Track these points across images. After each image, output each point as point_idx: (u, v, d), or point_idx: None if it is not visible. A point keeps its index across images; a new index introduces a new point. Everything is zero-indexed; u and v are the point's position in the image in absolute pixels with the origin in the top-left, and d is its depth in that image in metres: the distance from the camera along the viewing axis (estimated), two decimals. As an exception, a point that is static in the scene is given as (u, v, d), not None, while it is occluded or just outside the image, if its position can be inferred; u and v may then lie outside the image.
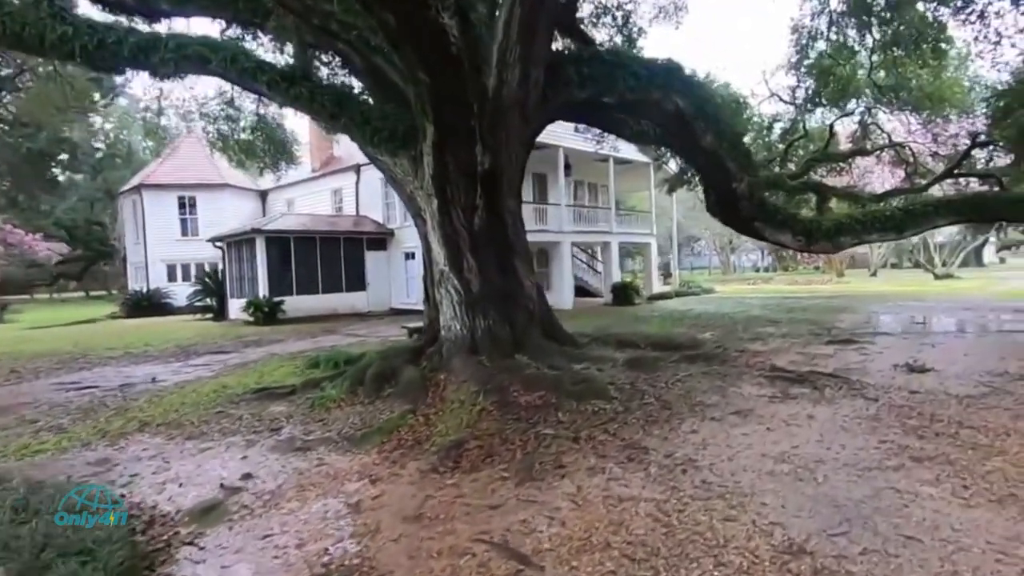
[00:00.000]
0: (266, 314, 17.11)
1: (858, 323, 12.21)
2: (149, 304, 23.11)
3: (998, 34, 9.47)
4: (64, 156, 39.81)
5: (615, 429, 5.22)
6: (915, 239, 35.34)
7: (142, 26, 9.12)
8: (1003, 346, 9.01)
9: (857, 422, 5.23)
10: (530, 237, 19.22)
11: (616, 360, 7.68)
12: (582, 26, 15.23)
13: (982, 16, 9.49)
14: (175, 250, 24.55)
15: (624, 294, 20.10)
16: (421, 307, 19.71)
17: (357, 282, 20.33)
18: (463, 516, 3.66)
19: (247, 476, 4.49)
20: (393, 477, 4.37)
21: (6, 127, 23.00)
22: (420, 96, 6.14)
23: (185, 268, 24.77)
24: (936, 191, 15.91)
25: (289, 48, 9.68)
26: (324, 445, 5.19)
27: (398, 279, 20.93)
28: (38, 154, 31.27)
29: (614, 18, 15.66)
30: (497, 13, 7.14)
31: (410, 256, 20.60)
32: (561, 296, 19.14)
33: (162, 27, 9.64)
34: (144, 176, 25.62)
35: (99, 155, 45.24)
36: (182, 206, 24.84)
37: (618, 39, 16.19)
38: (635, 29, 15.32)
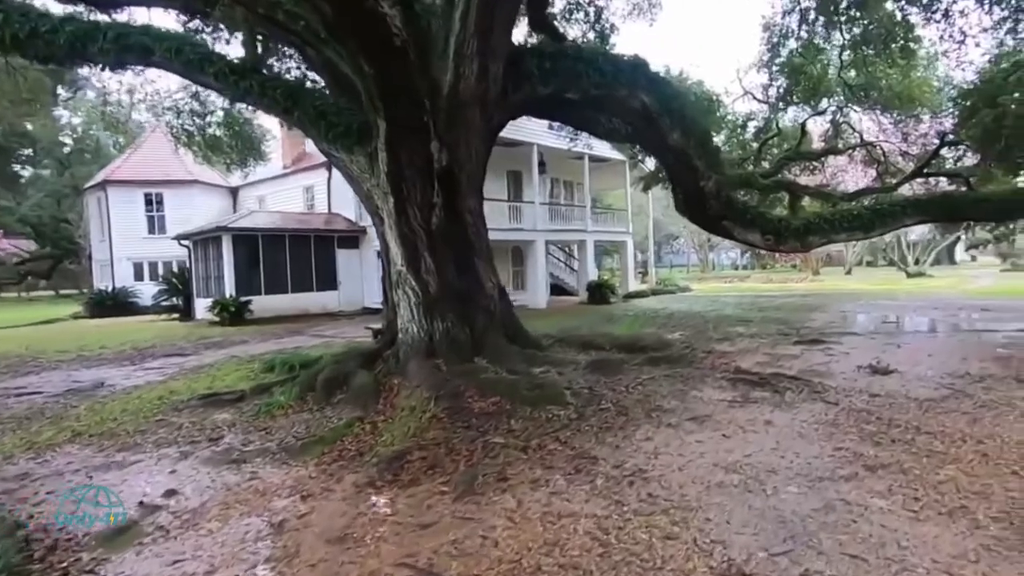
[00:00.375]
0: (232, 314, 16.67)
1: (828, 322, 12.20)
2: (114, 303, 22.45)
3: (963, 33, 9.47)
4: (27, 151, 38.58)
5: (567, 437, 5.04)
6: (888, 237, 35.86)
7: (99, 15, 8.73)
8: (967, 346, 9.01)
9: (815, 428, 5.10)
10: (504, 235, 19.18)
11: (578, 363, 7.50)
12: (555, 22, 15.05)
13: (947, 15, 9.48)
14: (142, 248, 23.89)
15: (599, 293, 19.99)
16: (394, 306, 19.53)
17: (328, 281, 19.95)
18: (392, 536, 3.44)
19: (171, 492, 4.21)
20: (326, 493, 4.13)
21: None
22: (368, 90, 5.89)
23: (153, 266, 24.13)
24: (906, 191, 16.02)
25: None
26: (262, 456, 4.92)
27: (370, 278, 20.57)
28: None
29: (586, 14, 15.50)
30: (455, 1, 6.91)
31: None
32: (535, 295, 18.98)
33: (123, 16, 9.26)
34: (109, 172, 24.89)
35: (67, 150, 44.09)
36: (149, 203, 24.17)
37: (591, 35, 16.04)
38: (608, 25, 15.17)
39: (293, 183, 23.84)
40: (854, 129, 17.27)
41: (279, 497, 4.08)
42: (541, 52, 7.87)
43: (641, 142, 9.39)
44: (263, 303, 17.71)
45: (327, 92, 8.50)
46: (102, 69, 7.47)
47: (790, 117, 18.35)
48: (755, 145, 18.72)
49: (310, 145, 25.06)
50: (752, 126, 19.90)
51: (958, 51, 10.05)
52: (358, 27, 4.70)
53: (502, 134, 18.37)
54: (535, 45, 9.90)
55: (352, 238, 20.62)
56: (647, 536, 3.27)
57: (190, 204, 24.09)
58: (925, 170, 14.35)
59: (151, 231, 24.08)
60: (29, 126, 32.06)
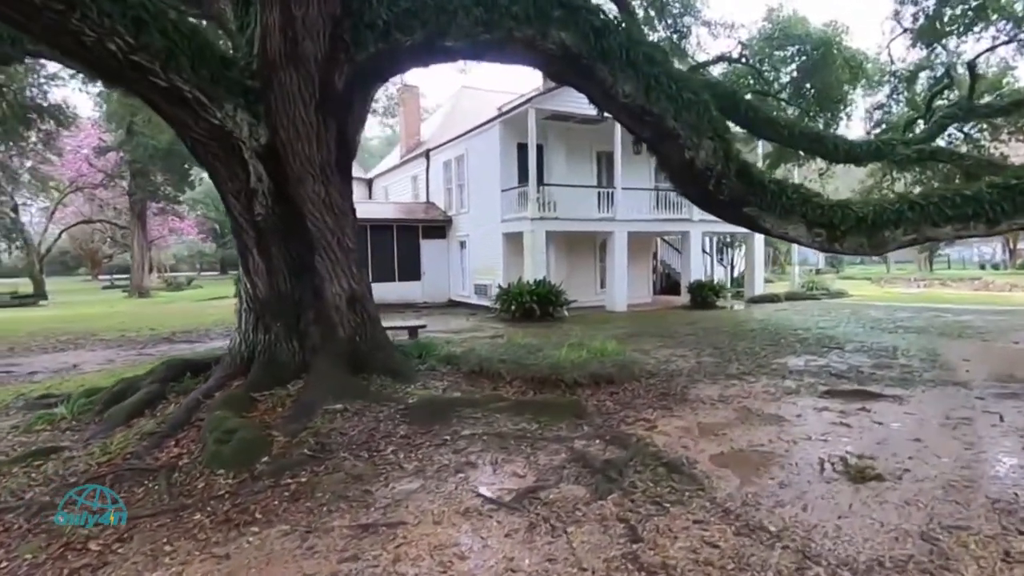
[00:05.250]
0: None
1: (937, 362, 8.01)
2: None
3: None
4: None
5: (163, 529, 3.45)
6: None
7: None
8: None
9: (492, 595, 2.76)
10: (590, 227, 16.79)
11: (405, 402, 5.61)
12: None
13: None
14: (282, 236, 26.36)
15: (700, 295, 16.60)
16: (475, 300, 18.48)
17: (412, 272, 19.70)
18: None
19: None
20: None
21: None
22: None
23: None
24: None
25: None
26: None
27: (456, 269, 19.89)
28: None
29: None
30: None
31: (463, 245, 19.39)
32: (612, 296, 16.40)
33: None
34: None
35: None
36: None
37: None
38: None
39: (404, 173, 24.21)
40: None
41: None
42: (389, -11, 5.97)
43: (591, 100, 6.85)
44: (340, 292, 18.00)
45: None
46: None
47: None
48: (938, 101, 13.82)
49: (422, 134, 25.24)
50: (925, 77, 14.85)
51: None
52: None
53: (577, 110, 16.22)
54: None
55: (438, 228, 20.10)
56: None
57: (321, 196, 25.85)
58: None
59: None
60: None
